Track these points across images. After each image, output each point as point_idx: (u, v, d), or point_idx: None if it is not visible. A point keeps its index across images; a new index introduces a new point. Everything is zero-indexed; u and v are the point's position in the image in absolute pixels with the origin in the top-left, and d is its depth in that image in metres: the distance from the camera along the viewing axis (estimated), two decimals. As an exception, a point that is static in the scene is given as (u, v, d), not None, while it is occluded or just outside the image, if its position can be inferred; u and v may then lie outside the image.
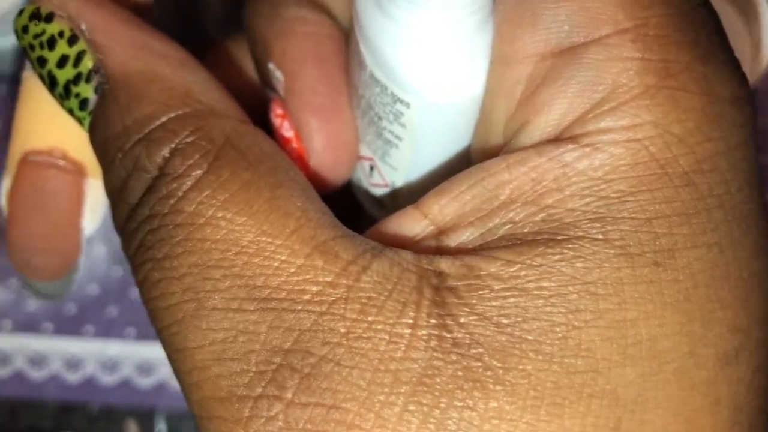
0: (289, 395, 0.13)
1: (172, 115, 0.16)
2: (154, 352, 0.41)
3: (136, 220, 0.15)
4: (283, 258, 0.14)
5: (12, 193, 0.18)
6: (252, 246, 0.14)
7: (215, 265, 0.14)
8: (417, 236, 0.16)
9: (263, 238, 0.14)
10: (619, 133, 0.15)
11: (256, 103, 0.18)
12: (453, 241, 0.15)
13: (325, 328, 0.14)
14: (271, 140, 0.16)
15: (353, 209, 0.21)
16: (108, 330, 0.41)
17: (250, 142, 0.16)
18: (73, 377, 0.41)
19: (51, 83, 0.17)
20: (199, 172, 0.15)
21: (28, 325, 0.41)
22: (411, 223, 0.16)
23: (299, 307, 0.14)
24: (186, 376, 0.15)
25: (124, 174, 0.16)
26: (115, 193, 0.16)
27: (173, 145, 0.15)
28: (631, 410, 0.13)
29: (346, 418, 0.13)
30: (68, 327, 0.41)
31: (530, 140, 0.15)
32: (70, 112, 0.17)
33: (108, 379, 0.41)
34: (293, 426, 0.13)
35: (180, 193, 0.15)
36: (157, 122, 0.15)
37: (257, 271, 0.14)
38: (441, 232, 0.15)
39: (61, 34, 0.17)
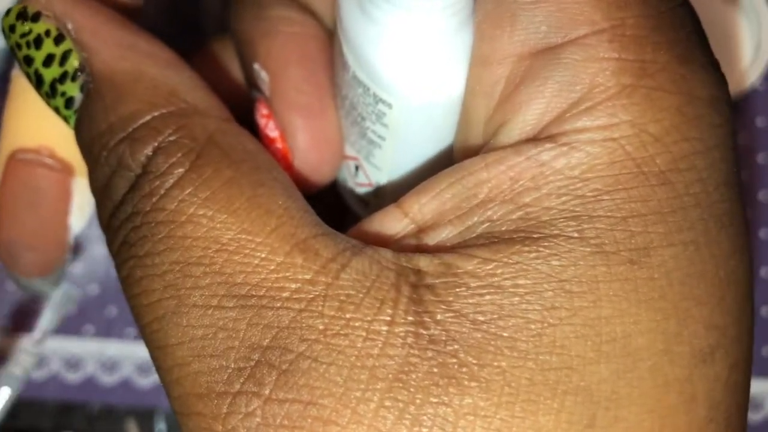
0: (266, 391, 0.14)
1: (156, 113, 0.16)
2: (153, 352, 0.41)
3: (119, 217, 0.15)
4: (263, 255, 0.14)
5: (0, 190, 0.18)
6: (232, 243, 0.14)
7: (196, 263, 0.14)
8: (397, 234, 0.16)
9: (243, 236, 0.15)
10: (595, 132, 0.15)
11: (242, 104, 0.18)
12: (432, 239, 0.15)
13: (303, 325, 0.14)
14: (255, 139, 0.17)
15: (338, 208, 0.21)
16: (108, 330, 0.41)
17: (233, 140, 0.16)
18: (72, 377, 0.41)
19: (37, 82, 0.17)
20: (181, 170, 0.15)
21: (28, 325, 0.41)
22: (392, 222, 0.16)
23: (278, 305, 0.14)
24: (166, 373, 0.15)
25: (108, 172, 0.16)
26: (99, 190, 0.16)
27: (156, 144, 0.15)
28: (606, 407, 0.13)
29: (322, 414, 0.13)
30: (68, 327, 0.41)
31: (509, 139, 0.16)
32: (56, 110, 0.17)
33: (108, 379, 0.41)
34: (270, 422, 0.14)
35: (162, 191, 0.15)
36: (141, 121, 0.16)
37: (237, 268, 0.14)
38: (421, 230, 0.15)
39: (47, 33, 0.17)
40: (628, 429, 0.13)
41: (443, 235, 0.15)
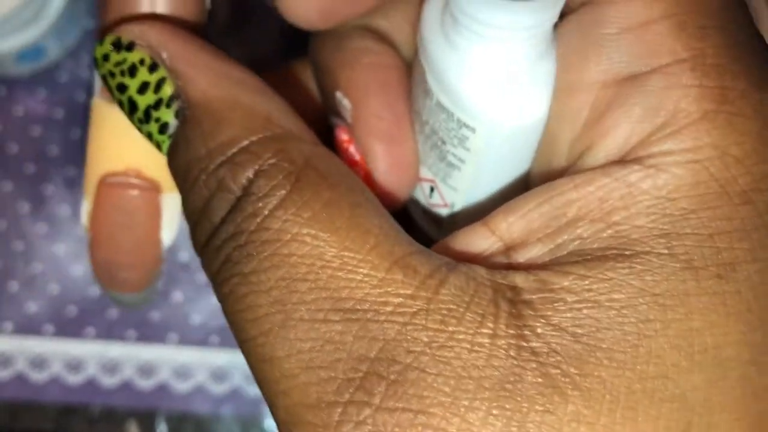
0: (377, 401, 0.14)
1: (254, 138, 0.16)
2: (154, 353, 0.41)
3: (220, 237, 0.16)
4: (365, 272, 0.15)
5: (94, 214, 0.19)
6: (336, 260, 0.15)
7: (301, 279, 0.15)
8: (485, 252, 0.16)
9: (346, 253, 0.15)
10: (680, 155, 0.16)
11: (313, 127, 0.19)
12: (522, 256, 0.16)
13: (409, 337, 0.15)
14: (343, 163, 0.17)
15: (407, 229, 0.22)
16: (109, 332, 0.41)
17: (328, 163, 0.17)
18: (73, 379, 0.41)
19: (131, 108, 0.18)
20: (283, 192, 0.16)
21: (28, 327, 0.41)
22: (479, 240, 0.16)
23: (383, 318, 0.15)
24: (273, 384, 0.15)
25: (207, 194, 0.16)
26: (196, 213, 0.17)
27: (257, 167, 0.16)
28: (700, 413, 0.14)
29: (432, 422, 0.14)
30: (69, 329, 0.41)
31: (595, 162, 0.16)
32: (149, 136, 0.18)
33: (109, 381, 0.41)
34: (381, 430, 0.14)
35: (266, 212, 0.16)
36: (240, 145, 0.16)
37: (341, 284, 0.15)
38: (509, 248, 0.16)
39: (141, 62, 0.17)
40: None
41: (533, 252, 0.16)
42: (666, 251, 0.15)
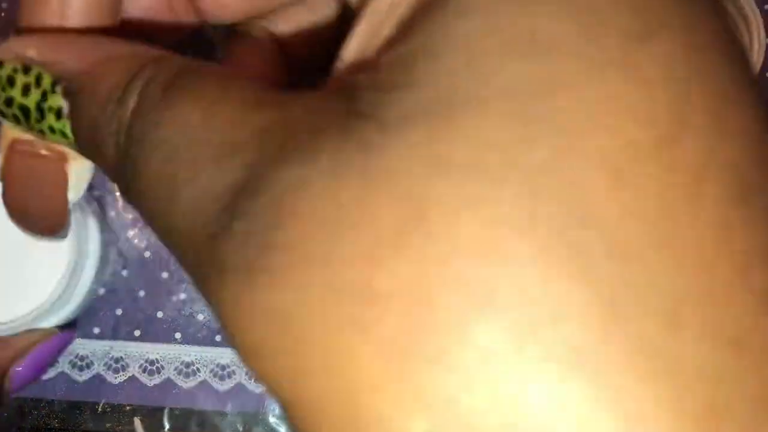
0: (241, 208, 0.14)
1: (135, 71, 0.17)
2: (160, 351, 0.42)
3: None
4: (231, 112, 0.16)
5: (5, 172, 0.20)
6: (209, 112, 0.16)
7: (187, 144, 0.16)
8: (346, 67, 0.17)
9: (217, 102, 0.16)
10: None
11: None
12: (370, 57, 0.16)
13: (264, 149, 0.15)
14: (221, 68, 0.18)
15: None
16: (115, 330, 0.42)
17: (200, 65, 0.17)
18: (80, 376, 0.42)
19: (25, 115, 0.19)
20: (160, 87, 0.16)
21: (36, 326, 0.42)
22: (338, 68, 0.17)
23: (245, 144, 0.15)
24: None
25: (112, 142, 0.17)
26: (111, 169, 0.17)
27: (138, 93, 0.17)
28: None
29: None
30: (76, 328, 0.42)
31: None
32: (51, 130, 0.18)
33: (115, 378, 0.42)
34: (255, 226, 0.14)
35: (146, 108, 0.16)
36: (124, 86, 0.17)
37: (217, 128, 0.16)
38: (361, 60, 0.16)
39: (14, 70, 0.18)
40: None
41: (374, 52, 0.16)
42: None
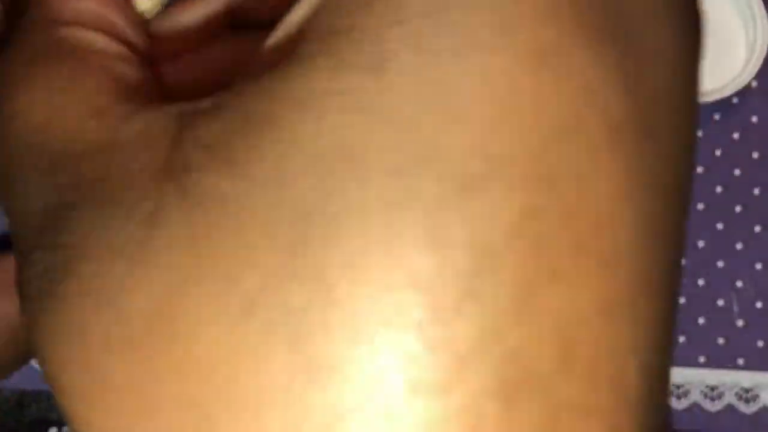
0: (44, 240, 0.15)
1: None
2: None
3: None
4: (63, 126, 0.16)
5: None
6: (43, 124, 0.16)
7: (16, 153, 0.16)
8: None
9: (53, 114, 0.16)
10: None
11: None
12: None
13: (80, 177, 0.15)
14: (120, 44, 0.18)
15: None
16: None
17: (80, 39, 0.18)
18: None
19: None
20: (22, 58, 0.17)
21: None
22: None
23: (68, 165, 0.15)
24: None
25: None
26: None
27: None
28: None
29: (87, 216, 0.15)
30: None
31: None
32: None
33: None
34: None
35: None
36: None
37: (44, 140, 0.16)
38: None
39: None
40: (348, 258, 0.12)
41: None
42: (320, 51, 0.13)
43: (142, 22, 0.19)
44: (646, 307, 0.12)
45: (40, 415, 0.41)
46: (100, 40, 0.18)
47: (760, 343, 0.42)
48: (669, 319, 0.13)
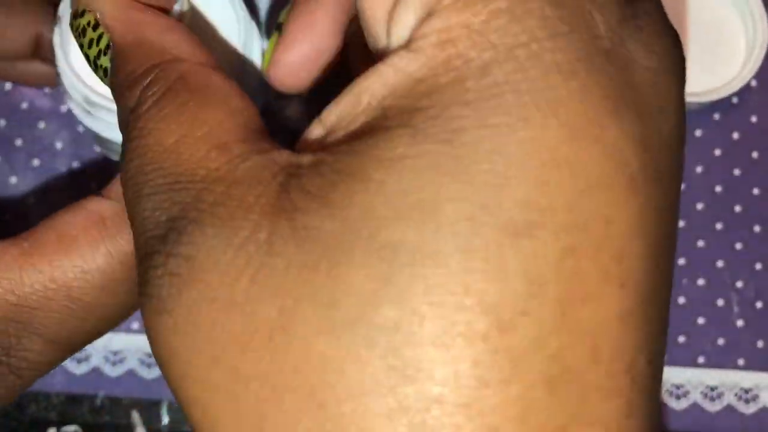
0: (168, 248, 0.17)
1: (146, 66, 0.20)
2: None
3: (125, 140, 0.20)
4: (190, 152, 0.18)
5: None
6: (173, 146, 0.18)
7: (148, 162, 0.18)
8: (314, 139, 0.18)
9: (181, 140, 0.18)
10: (435, 35, 0.16)
11: None
12: (330, 140, 0.17)
13: (201, 198, 0.17)
14: (225, 78, 0.20)
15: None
16: (113, 323, 0.42)
17: (199, 77, 0.20)
18: (79, 369, 0.42)
19: (87, 60, 0.23)
20: (152, 99, 0.19)
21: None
22: (314, 130, 0.18)
23: (190, 186, 0.17)
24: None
25: (120, 113, 0.20)
26: (121, 128, 0.20)
27: (143, 86, 0.20)
28: (410, 263, 0.15)
29: (195, 265, 0.16)
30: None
31: (395, 45, 0.17)
32: (102, 80, 0.22)
33: (113, 371, 0.42)
34: (171, 271, 0.17)
35: (139, 113, 0.19)
36: (136, 74, 0.20)
37: (172, 163, 0.18)
38: (327, 134, 0.17)
39: (89, 23, 0.22)
40: (428, 286, 0.15)
41: (335, 137, 0.17)
42: (403, 123, 0.16)
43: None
44: (651, 314, 0.16)
45: (40, 415, 0.41)
46: (213, 77, 0.20)
47: (760, 343, 0.42)
48: (665, 320, 0.17)
